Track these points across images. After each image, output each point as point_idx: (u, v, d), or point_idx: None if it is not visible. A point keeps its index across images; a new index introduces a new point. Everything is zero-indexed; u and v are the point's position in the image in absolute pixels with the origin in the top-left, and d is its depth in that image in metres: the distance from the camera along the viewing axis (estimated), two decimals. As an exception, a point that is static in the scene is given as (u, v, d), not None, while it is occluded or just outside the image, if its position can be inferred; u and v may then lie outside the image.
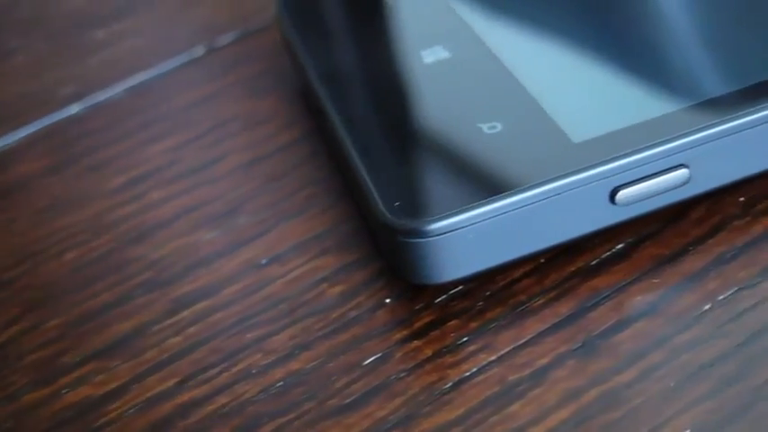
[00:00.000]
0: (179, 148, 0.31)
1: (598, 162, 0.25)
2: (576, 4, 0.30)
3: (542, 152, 0.26)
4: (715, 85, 0.27)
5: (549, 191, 0.25)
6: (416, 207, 0.25)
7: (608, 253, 0.26)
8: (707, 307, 0.25)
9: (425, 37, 0.30)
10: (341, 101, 0.28)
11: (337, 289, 0.27)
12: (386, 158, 0.27)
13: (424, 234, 0.25)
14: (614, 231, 0.26)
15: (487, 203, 0.25)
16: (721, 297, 0.25)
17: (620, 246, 0.26)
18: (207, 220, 0.29)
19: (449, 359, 0.25)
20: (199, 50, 0.34)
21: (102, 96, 0.33)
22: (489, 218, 0.25)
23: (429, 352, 0.25)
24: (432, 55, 0.29)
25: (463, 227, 0.25)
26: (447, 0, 0.30)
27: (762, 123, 0.26)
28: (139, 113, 0.32)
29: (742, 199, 0.27)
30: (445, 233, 0.25)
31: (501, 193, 0.25)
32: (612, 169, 0.25)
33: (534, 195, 0.25)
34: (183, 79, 0.33)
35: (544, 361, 0.25)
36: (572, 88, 0.27)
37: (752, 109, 0.26)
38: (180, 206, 0.29)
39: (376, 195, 0.26)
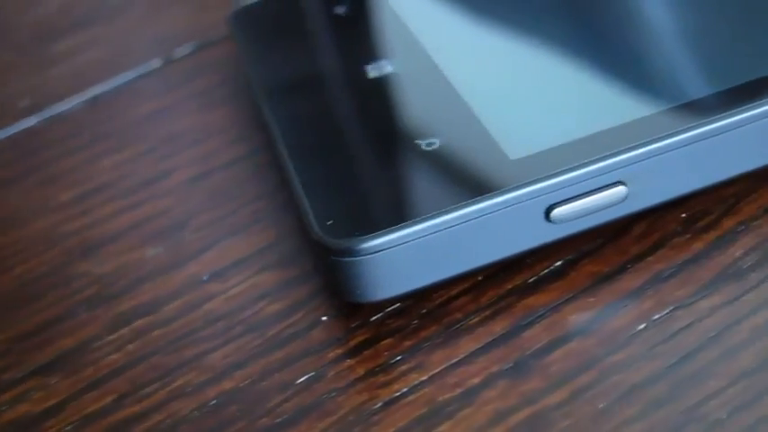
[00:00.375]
0: (131, 162, 0.31)
1: (533, 180, 0.25)
2: (522, 21, 0.30)
3: (479, 169, 0.26)
4: (654, 102, 0.26)
5: (483, 209, 0.25)
6: (349, 225, 0.25)
7: (546, 270, 0.26)
8: (641, 327, 0.25)
9: (372, 51, 0.29)
10: (284, 115, 0.28)
11: (276, 306, 0.27)
12: (323, 175, 0.27)
13: (355, 253, 0.25)
14: (554, 248, 0.26)
15: (420, 222, 0.25)
16: (656, 317, 0.25)
17: (558, 263, 0.26)
18: (153, 236, 0.29)
19: (381, 378, 0.25)
20: (156, 63, 0.34)
21: (59, 109, 0.33)
22: (422, 236, 0.25)
23: (362, 371, 0.25)
24: (376, 69, 0.29)
25: (395, 246, 0.25)
26: (397, 14, 0.30)
27: (699, 140, 0.25)
28: (95, 126, 0.32)
29: (684, 215, 0.27)
30: (377, 252, 0.25)
31: (434, 211, 0.25)
32: (547, 187, 0.25)
33: (467, 213, 0.25)
34: (139, 91, 0.33)
35: (475, 381, 0.24)
36: (513, 104, 0.27)
37: (689, 125, 0.25)
38: (127, 221, 0.29)
39: (310, 213, 0.25)
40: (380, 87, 0.28)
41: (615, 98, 0.27)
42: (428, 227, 0.25)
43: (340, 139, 0.27)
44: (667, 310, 0.25)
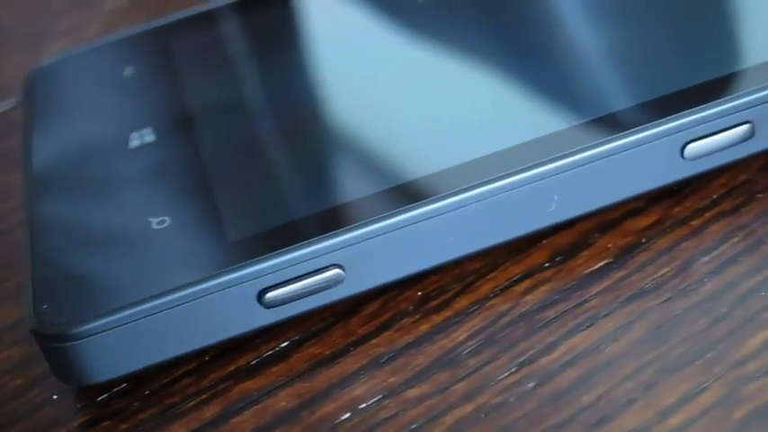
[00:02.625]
0: None
1: (244, 263, 0.25)
2: (287, 96, 0.29)
3: (198, 251, 0.26)
4: (369, 183, 0.26)
5: (191, 294, 0.25)
6: (63, 310, 0.25)
7: (270, 352, 0.26)
8: (345, 416, 0.24)
9: (141, 118, 0.29)
10: (41, 183, 0.28)
11: (17, 382, 0.27)
12: (56, 254, 0.27)
13: (61, 339, 0.25)
14: (282, 328, 0.26)
15: (129, 307, 0.24)
16: (363, 405, 0.24)
17: (284, 344, 0.26)
18: None
19: (94, 464, 0.25)
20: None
21: None
22: (132, 320, 0.24)
23: (77, 456, 0.25)
24: (139, 138, 0.29)
25: (105, 330, 0.24)
26: (177, 78, 0.30)
27: (417, 221, 0.25)
28: None
29: (420, 293, 0.26)
30: (84, 337, 0.24)
31: (146, 294, 0.25)
32: (257, 271, 0.25)
33: (176, 298, 0.25)
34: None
35: (176, 471, 0.24)
36: (249, 181, 0.27)
37: (404, 208, 0.25)
38: None
39: (31, 295, 0.26)
40: (136, 158, 0.28)
41: (336, 177, 0.27)
42: (137, 311, 0.24)
43: (83, 215, 0.27)
44: (375, 399, 0.24)
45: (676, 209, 0.27)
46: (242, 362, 0.25)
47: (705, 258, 0.26)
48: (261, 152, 0.27)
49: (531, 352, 0.25)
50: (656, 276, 0.25)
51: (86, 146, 0.29)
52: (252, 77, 0.30)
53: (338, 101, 0.29)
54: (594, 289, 0.25)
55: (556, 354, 0.25)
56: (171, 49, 0.31)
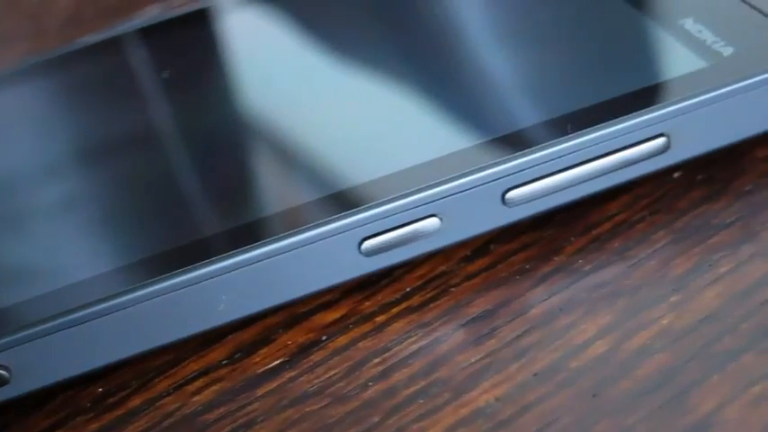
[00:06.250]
0: None
1: None
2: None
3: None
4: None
5: None
6: None
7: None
8: None
9: None
10: None
11: None
12: None
13: None
14: (-32, 423, 0.26)
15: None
16: None
17: (-34, 439, 0.26)
18: None
19: None
20: None
21: None
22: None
23: None
24: None
25: None
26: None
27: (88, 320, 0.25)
28: None
29: (101, 389, 0.26)
30: None
31: None
32: None
33: None
34: None
35: None
36: None
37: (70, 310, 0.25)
38: None
39: None
40: None
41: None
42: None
43: None
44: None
45: (366, 303, 0.26)
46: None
47: (377, 360, 0.25)
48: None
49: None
50: (323, 378, 0.25)
51: None
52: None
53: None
54: (261, 390, 0.25)
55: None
56: None
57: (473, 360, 0.25)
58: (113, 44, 0.32)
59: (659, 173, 0.27)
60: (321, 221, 0.25)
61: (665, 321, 0.25)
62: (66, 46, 0.33)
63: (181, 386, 0.26)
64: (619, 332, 0.25)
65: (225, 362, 0.26)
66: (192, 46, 0.32)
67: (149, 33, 0.32)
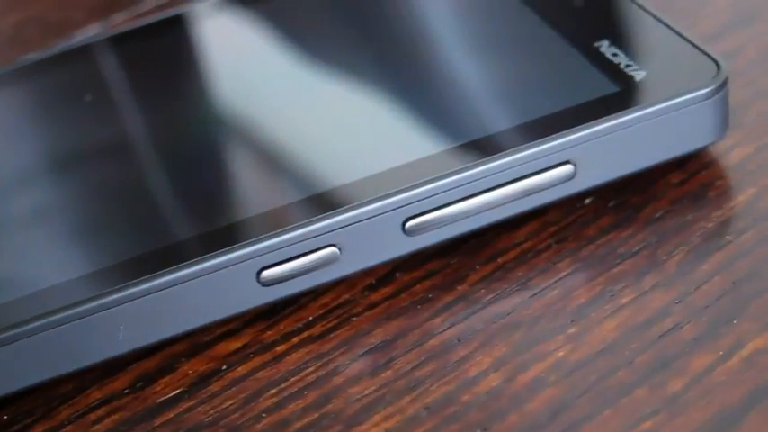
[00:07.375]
0: None
1: None
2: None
3: None
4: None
5: None
6: None
7: None
8: None
9: None
10: None
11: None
12: None
13: None
14: None
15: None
16: None
17: None
18: None
19: None
20: None
21: None
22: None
23: None
24: None
25: None
26: None
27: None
28: None
29: (6, 417, 0.25)
30: None
31: None
32: None
33: None
34: None
35: None
36: None
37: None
38: None
39: None
40: None
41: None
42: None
43: None
44: None
45: (268, 332, 0.26)
46: None
47: (273, 390, 0.25)
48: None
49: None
50: (219, 409, 0.25)
51: None
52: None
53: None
54: (159, 420, 0.25)
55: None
56: None
57: (366, 392, 0.25)
58: (63, 59, 0.32)
59: (570, 199, 0.27)
60: (219, 251, 0.25)
61: (560, 354, 0.25)
62: (11, 64, 0.33)
63: (83, 414, 0.26)
64: (513, 364, 0.25)
65: (127, 390, 0.26)
66: (148, 58, 0.32)
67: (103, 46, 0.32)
